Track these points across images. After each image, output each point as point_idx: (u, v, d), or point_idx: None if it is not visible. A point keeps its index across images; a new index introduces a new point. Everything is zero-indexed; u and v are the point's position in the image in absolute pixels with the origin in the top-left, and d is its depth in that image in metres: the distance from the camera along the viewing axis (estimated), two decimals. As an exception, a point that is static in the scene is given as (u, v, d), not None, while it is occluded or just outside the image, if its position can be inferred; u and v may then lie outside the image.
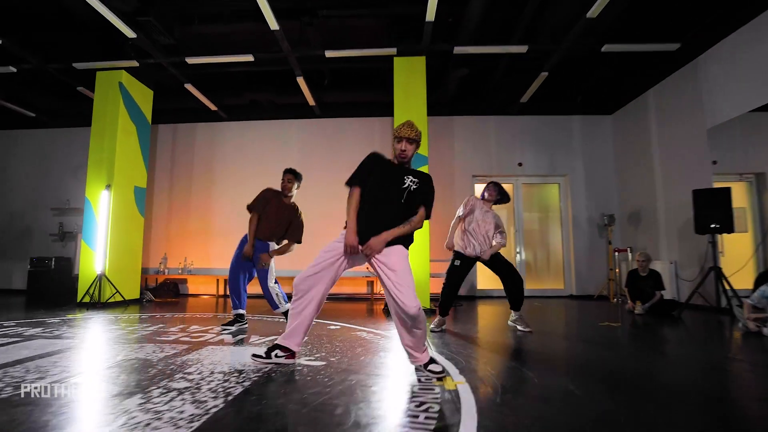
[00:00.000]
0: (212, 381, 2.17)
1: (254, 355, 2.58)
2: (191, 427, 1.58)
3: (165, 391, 2.00)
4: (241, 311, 4.05)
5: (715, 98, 5.68)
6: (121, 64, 6.17)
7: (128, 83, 6.37)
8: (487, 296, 7.67)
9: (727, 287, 4.98)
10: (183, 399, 1.88)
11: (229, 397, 1.92)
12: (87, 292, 5.70)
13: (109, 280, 5.80)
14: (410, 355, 2.48)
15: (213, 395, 1.94)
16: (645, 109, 7.20)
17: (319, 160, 7.90)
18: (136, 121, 6.51)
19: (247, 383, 2.16)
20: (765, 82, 4.91)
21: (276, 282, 4.04)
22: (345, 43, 5.82)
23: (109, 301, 5.76)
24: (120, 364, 2.54)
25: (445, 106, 7.65)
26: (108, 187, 5.94)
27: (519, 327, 4.00)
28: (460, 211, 4.14)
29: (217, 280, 7.73)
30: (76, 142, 8.16)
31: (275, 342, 2.60)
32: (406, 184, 2.51)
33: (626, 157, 7.80)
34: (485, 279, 7.74)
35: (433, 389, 2.13)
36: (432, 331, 3.90)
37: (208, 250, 7.94)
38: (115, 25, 5.09)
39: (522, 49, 5.75)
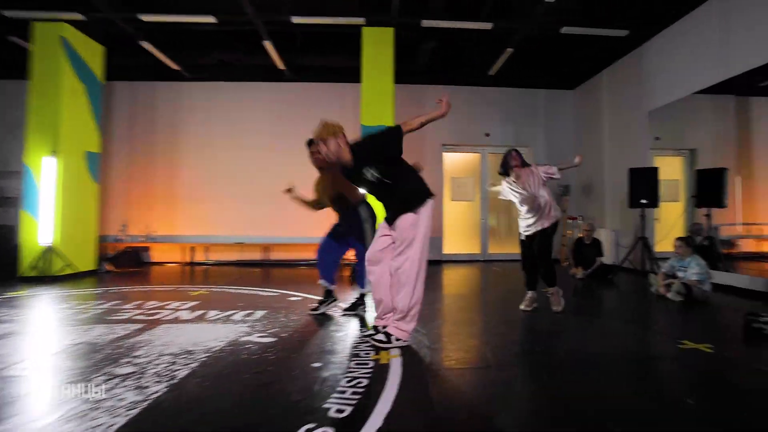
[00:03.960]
0: (159, 364, 2.21)
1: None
2: (129, 415, 1.63)
3: (108, 377, 2.02)
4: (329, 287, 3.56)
5: (656, 83, 6.07)
6: (63, 16, 5.63)
7: (73, 38, 5.85)
8: (454, 261, 7.89)
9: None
10: (126, 386, 1.91)
11: (173, 381, 1.97)
12: (35, 266, 5.44)
13: (58, 252, 5.58)
14: (379, 316, 2.74)
15: (157, 380, 1.98)
16: (599, 88, 7.55)
17: (292, 125, 7.55)
18: (84, 80, 6.06)
19: (194, 365, 2.21)
20: (699, 71, 5.26)
21: None
22: (313, 8, 5.53)
23: (60, 274, 5.54)
24: (65, 350, 2.50)
25: (417, 75, 7.56)
26: (53, 153, 5.60)
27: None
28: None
29: (183, 248, 7.63)
30: (11, 97, 7.36)
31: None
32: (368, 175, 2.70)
33: (583, 130, 8.16)
34: (453, 243, 8.12)
35: (367, 364, 2.24)
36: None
37: (174, 216, 7.76)
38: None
39: (487, 26, 5.79)
